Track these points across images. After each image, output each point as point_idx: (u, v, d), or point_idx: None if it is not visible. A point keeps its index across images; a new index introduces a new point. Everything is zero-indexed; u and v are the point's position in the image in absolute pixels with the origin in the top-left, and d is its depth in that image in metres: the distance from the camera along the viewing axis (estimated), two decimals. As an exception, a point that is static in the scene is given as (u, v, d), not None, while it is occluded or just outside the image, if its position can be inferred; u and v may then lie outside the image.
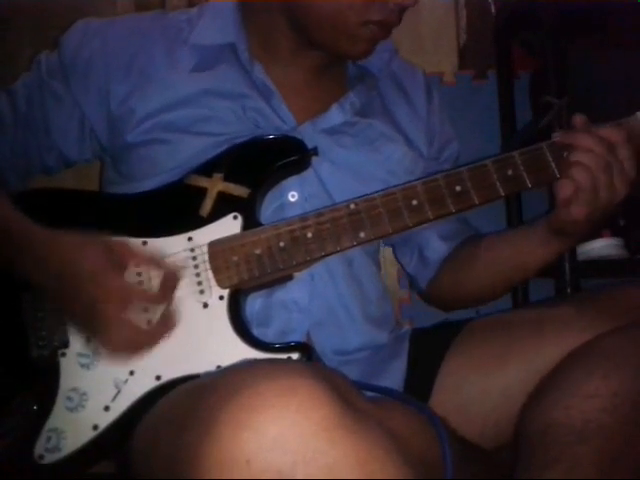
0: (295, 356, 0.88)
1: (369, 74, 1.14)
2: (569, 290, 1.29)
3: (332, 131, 1.07)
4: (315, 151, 0.99)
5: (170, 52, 1.06)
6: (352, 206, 0.93)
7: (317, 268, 0.99)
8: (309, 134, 1.04)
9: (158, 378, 0.88)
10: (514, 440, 0.91)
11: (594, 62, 1.46)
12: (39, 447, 0.85)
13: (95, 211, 0.96)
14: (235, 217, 0.94)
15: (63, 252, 0.87)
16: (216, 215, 0.94)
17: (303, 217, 0.93)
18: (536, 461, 0.84)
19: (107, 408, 0.87)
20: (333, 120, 1.07)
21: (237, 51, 1.06)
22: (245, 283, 0.92)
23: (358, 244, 0.94)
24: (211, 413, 0.64)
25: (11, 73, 1.13)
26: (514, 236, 1.10)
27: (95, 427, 0.86)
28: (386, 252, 1.32)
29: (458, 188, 0.94)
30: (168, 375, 0.88)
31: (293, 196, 1.02)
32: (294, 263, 0.92)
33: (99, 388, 0.87)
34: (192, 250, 0.92)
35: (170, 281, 0.90)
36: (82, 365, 0.89)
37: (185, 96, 1.03)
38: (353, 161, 1.08)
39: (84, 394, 0.87)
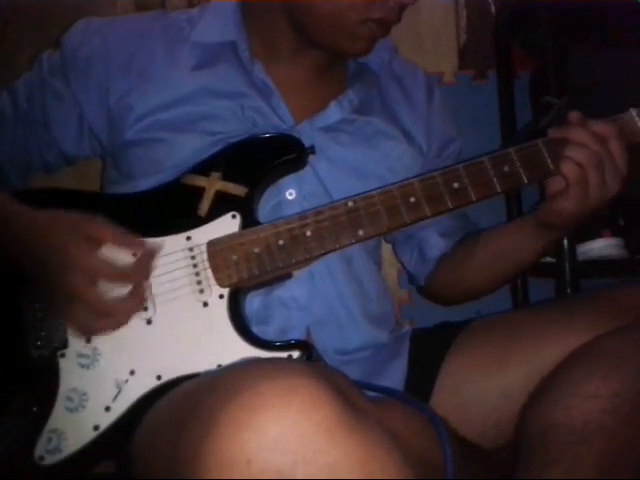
0: (296, 354, 0.88)
1: (369, 72, 1.15)
2: (569, 290, 1.29)
3: (330, 129, 1.07)
4: (312, 149, 0.99)
5: (170, 51, 1.06)
6: (350, 204, 0.94)
7: (317, 267, 1.00)
8: (307, 132, 1.04)
9: (159, 377, 0.88)
10: (514, 440, 0.91)
11: (594, 62, 1.46)
12: (39, 448, 0.85)
13: (93, 211, 0.96)
14: (233, 216, 0.94)
15: (37, 226, 0.88)
16: (214, 214, 0.94)
17: (302, 215, 0.94)
18: (536, 461, 0.84)
19: (108, 408, 0.87)
20: (331, 118, 1.08)
21: (237, 50, 1.06)
22: (245, 282, 0.92)
23: (357, 241, 0.94)
24: (211, 413, 0.64)
25: (11, 73, 1.14)
26: (506, 231, 1.12)
27: (96, 427, 0.86)
28: (385, 252, 1.32)
29: (455, 185, 0.94)
30: (169, 374, 0.88)
31: (291, 194, 1.02)
32: (293, 261, 0.92)
33: (99, 388, 0.87)
34: (191, 249, 0.92)
35: (144, 261, 0.90)
36: (82, 365, 0.88)
37: (184, 94, 1.03)
38: (351, 159, 1.08)
39: (84, 394, 0.87)
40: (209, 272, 0.91)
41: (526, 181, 0.96)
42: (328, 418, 0.62)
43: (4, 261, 0.91)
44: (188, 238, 0.93)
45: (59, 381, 0.88)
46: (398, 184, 0.95)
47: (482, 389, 1.00)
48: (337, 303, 1.04)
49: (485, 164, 0.95)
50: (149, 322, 0.90)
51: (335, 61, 1.11)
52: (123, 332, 0.88)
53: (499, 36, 1.65)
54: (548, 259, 1.42)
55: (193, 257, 0.92)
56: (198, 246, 0.92)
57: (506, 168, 0.95)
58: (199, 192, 0.95)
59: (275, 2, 1.04)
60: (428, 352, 1.07)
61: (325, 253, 0.93)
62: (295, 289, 1.00)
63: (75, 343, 0.89)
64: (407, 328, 1.17)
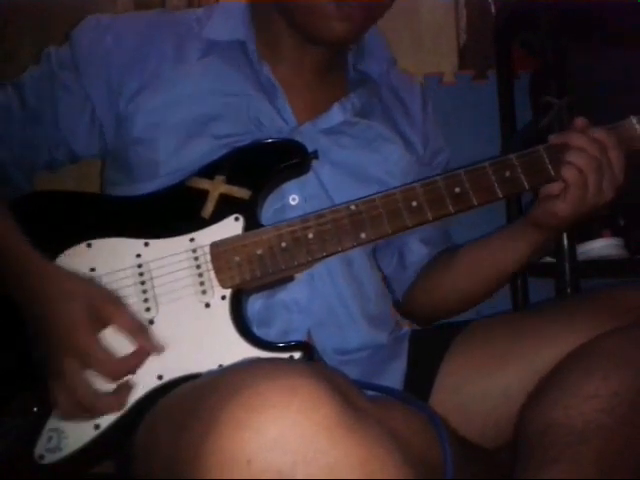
0: (297, 355, 0.88)
1: (371, 80, 1.15)
2: (569, 290, 1.30)
3: (332, 131, 1.07)
4: (316, 154, 0.99)
5: (180, 48, 1.06)
6: (352, 207, 0.94)
7: (317, 268, 0.99)
8: (309, 134, 1.04)
9: (160, 377, 0.88)
10: (514, 440, 0.91)
11: (594, 62, 1.46)
12: (40, 447, 0.85)
13: (98, 213, 0.96)
14: (237, 218, 0.94)
15: (50, 292, 0.86)
16: (218, 217, 0.94)
17: (304, 218, 0.94)
18: (535, 461, 0.84)
19: (109, 407, 0.87)
20: (334, 119, 1.08)
21: (247, 50, 1.06)
22: (247, 283, 0.92)
23: (359, 244, 0.94)
24: (212, 413, 0.64)
25: (11, 73, 1.13)
26: (491, 236, 1.12)
27: (97, 427, 0.86)
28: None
29: (457, 190, 0.95)
30: (170, 374, 0.88)
31: (294, 199, 1.02)
32: (296, 264, 0.93)
33: (101, 388, 0.87)
34: (194, 251, 0.93)
35: (140, 358, 0.88)
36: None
37: (190, 92, 1.03)
38: (352, 161, 1.08)
39: (86, 394, 0.87)
40: (212, 273, 0.92)
41: (527, 187, 0.97)
42: (328, 418, 0.62)
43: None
44: (192, 240, 0.93)
45: None
46: (400, 188, 0.95)
47: (482, 389, 1.00)
48: (337, 303, 1.05)
49: (486, 169, 0.96)
50: (151, 322, 0.90)
51: (335, 63, 1.12)
52: (124, 332, 0.88)
53: (499, 36, 1.65)
54: (548, 259, 1.43)
55: (196, 258, 0.92)
56: (201, 247, 0.93)
57: (507, 174, 0.96)
58: (203, 195, 0.95)
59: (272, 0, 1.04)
60: (427, 352, 1.07)
61: (327, 255, 0.94)
62: (296, 292, 1.00)
63: None
64: (406, 329, 1.17)
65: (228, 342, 0.89)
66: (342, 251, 0.94)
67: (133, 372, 0.87)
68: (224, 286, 0.91)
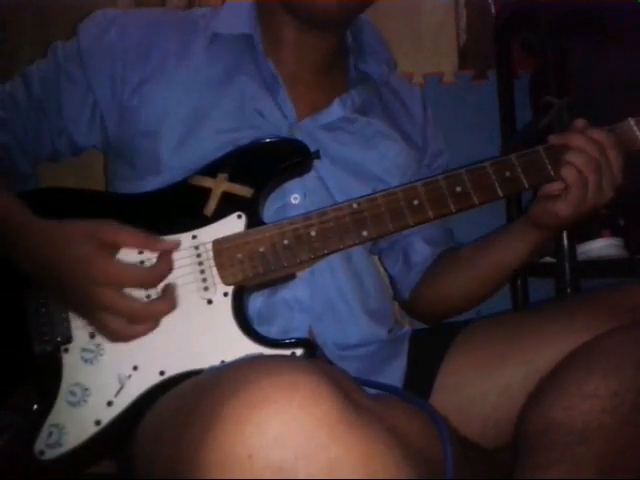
0: (299, 352, 0.88)
1: (371, 80, 1.16)
2: (569, 290, 1.30)
3: (331, 127, 1.08)
4: (317, 154, 1.00)
5: (184, 42, 1.07)
6: (355, 205, 0.95)
7: (317, 263, 1.00)
8: (309, 129, 1.05)
9: (162, 373, 0.88)
10: (514, 440, 0.91)
11: (594, 62, 1.46)
12: (40, 443, 0.85)
13: (101, 210, 0.96)
14: (239, 216, 0.94)
15: (54, 240, 0.87)
16: (220, 214, 0.94)
17: (306, 216, 0.94)
18: (536, 461, 0.84)
19: (110, 403, 0.87)
20: (333, 115, 1.08)
21: (253, 44, 1.07)
22: (249, 280, 0.93)
23: (361, 242, 0.95)
24: (213, 409, 0.64)
25: (11, 73, 1.13)
26: (491, 236, 1.13)
27: (98, 422, 0.86)
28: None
29: (458, 189, 0.96)
30: (172, 370, 0.88)
31: (295, 199, 1.03)
32: (298, 261, 0.93)
33: (102, 383, 0.87)
34: (197, 248, 0.93)
35: (166, 260, 0.90)
36: (85, 360, 0.89)
37: (192, 85, 1.04)
38: (350, 158, 1.09)
39: (87, 389, 0.87)
40: (214, 270, 0.92)
41: (527, 186, 0.98)
42: (329, 414, 0.62)
43: (9, 262, 0.91)
44: (194, 237, 0.93)
45: (62, 376, 0.88)
46: (402, 187, 0.96)
47: (482, 389, 1.00)
48: (337, 298, 1.05)
49: (487, 169, 0.97)
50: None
51: (336, 63, 1.13)
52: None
53: (499, 36, 1.66)
54: (548, 259, 1.43)
55: (199, 255, 0.93)
56: (204, 244, 0.93)
57: (507, 173, 0.97)
58: (206, 192, 0.95)
59: None
60: (428, 352, 1.08)
61: (329, 253, 0.94)
62: (298, 290, 1.01)
63: (79, 338, 0.89)
64: (407, 328, 1.17)
65: (230, 339, 0.89)
66: (344, 249, 0.95)
67: (167, 274, 0.89)
68: (226, 283, 0.92)
